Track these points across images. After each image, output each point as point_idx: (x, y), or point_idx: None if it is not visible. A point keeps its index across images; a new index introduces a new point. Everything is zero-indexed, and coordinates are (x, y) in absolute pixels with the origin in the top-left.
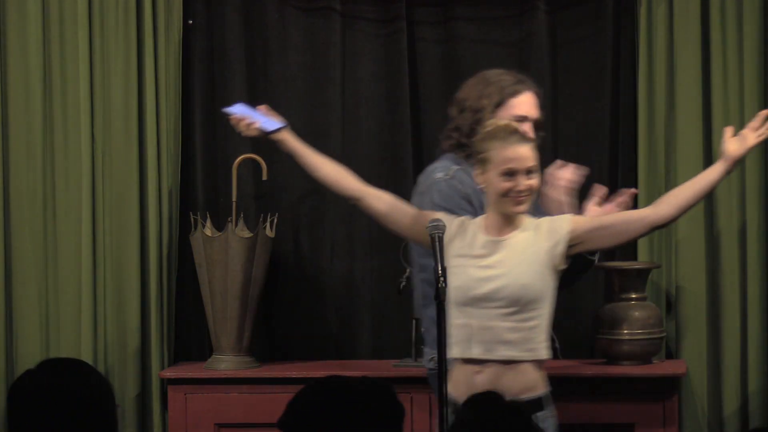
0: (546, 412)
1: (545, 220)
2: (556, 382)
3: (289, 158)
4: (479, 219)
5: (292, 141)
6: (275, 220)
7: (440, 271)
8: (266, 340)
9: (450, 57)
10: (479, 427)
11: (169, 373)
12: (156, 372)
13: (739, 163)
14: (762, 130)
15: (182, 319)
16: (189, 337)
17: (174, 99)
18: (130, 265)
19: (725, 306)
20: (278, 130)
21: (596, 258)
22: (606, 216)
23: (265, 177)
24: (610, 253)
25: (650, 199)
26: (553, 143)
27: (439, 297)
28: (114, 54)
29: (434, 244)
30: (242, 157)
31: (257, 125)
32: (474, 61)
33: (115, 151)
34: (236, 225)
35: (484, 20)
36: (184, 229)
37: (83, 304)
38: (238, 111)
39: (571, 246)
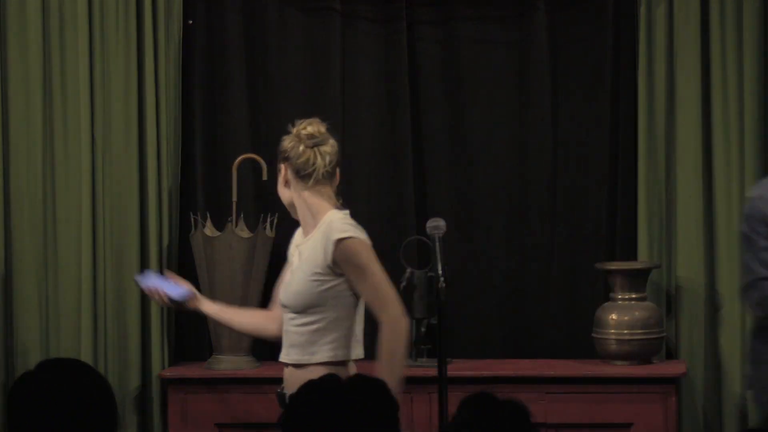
0: None
1: (327, 230)
2: (557, 382)
3: None
4: None
5: (205, 306)
6: (275, 220)
7: (440, 271)
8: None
9: (450, 57)
10: (477, 426)
11: (169, 373)
12: (156, 372)
13: None
14: None
15: (182, 319)
16: (189, 337)
17: (174, 99)
18: (130, 265)
19: (725, 306)
20: (188, 298)
21: None
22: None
23: (265, 177)
24: (610, 253)
25: (650, 200)
26: (552, 143)
27: (439, 297)
28: (114, 54)
29: (434, 244)
30: (242, 157)
31: (167, 296)
32: (474, 61)
33: (115, 152)
34: (236, 225)
35: (484, 20)
36: (184, 229)
37: (83, 304)
38: (149, 282)
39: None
